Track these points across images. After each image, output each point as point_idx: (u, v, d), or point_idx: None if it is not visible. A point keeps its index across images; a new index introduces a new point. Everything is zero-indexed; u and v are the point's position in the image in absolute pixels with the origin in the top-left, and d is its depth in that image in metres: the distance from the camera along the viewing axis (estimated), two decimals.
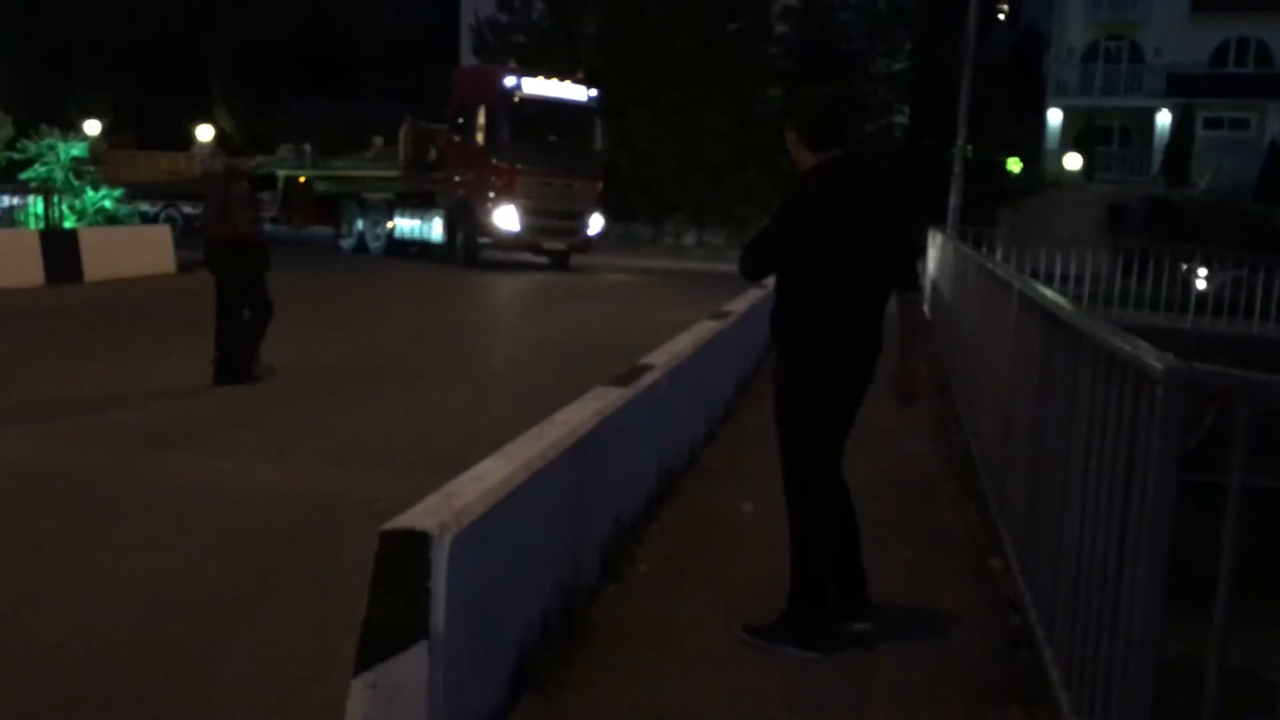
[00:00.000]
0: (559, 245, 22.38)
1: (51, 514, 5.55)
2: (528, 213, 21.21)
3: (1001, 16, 40.48)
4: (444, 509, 3.08)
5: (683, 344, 6.50)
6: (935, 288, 14.56)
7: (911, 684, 3.89)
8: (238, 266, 8.95)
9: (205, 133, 36.19)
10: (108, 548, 5.07)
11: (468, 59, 34.65)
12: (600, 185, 22.61)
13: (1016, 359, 5.24)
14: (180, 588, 4.63)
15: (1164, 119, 37.07)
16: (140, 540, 5.20)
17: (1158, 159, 36.01)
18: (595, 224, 22.37)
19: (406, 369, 10.42)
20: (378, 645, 2.93)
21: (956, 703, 3.76)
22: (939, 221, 20.04)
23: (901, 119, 31.76)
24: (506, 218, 21.13)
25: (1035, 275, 15.81)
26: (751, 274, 4.33)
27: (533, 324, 15.35)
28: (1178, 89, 36.00)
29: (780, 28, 29.85)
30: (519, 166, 21.12)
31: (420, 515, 3.01)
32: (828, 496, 4.28)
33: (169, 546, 5.12)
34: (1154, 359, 2.73)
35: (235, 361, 8.94)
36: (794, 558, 4.18)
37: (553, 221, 21.61)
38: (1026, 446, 4.66)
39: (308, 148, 30.02)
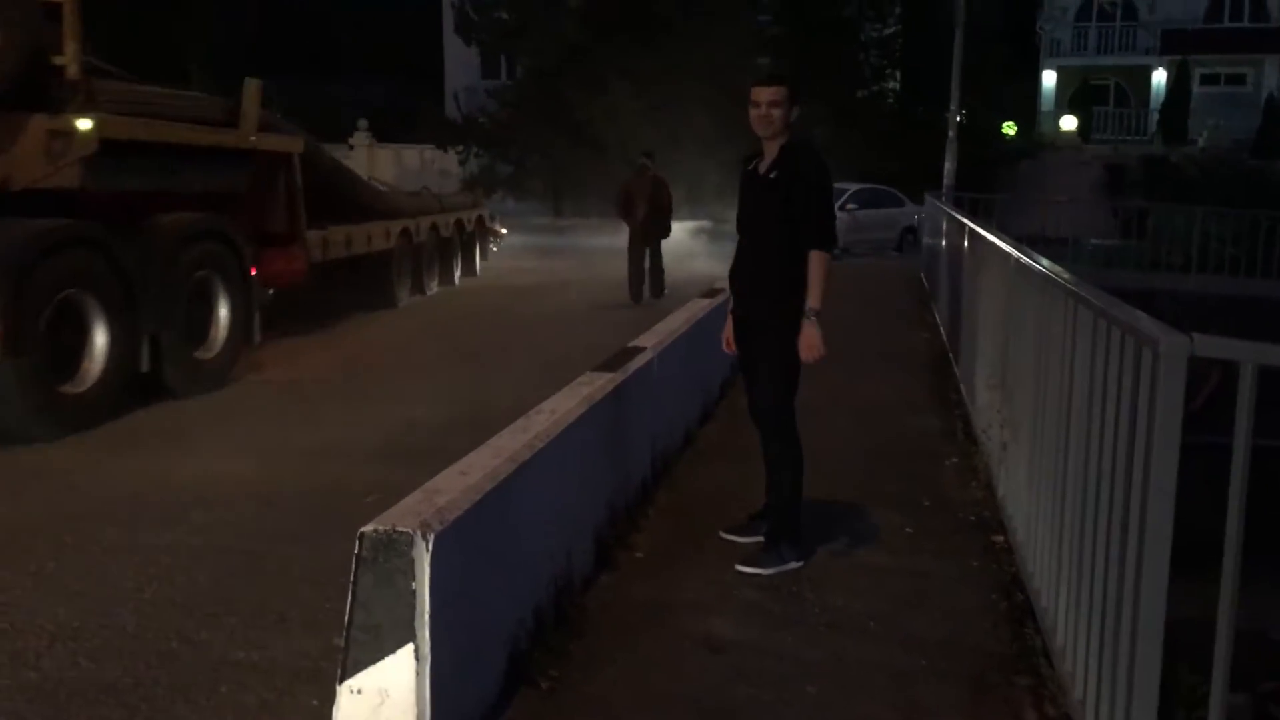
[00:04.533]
0: None
1: (32, 516, 5.46)
2: None
3: None
4: (426, 507, 3.00)
5: (674, 323, 6.41)
6: (933, 254, 14.44)
7: (914, 663, 3.81)
8: None
9: None
10: (92, 550, 4.99)
11: (450, 37, 34.33)
12: None
13: (1013, 327, 5.14)
14: (168, 589, 4.55)
15: (1160, 77, 36.80)
16: (126, 540, 5.12)
17: (1154, 118, 35.75)
18: None
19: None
20: (362, 650, 2.85)
21: (960, 681, 3.68)
22: (934, 188, 19.90)
23: (894, 85, 31.51)
24: None
25: (1034, 240, 15.71)
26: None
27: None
28: (1173, 45, 35.68)
29: None
30: None
31: (401, 514, 2.93)
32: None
33: (156, 546, 5.03)
34: (1153, 330, 2.64)
35: None
36: (782, 482, 4.70)
37: None
38: (1026, 417, 4.57)
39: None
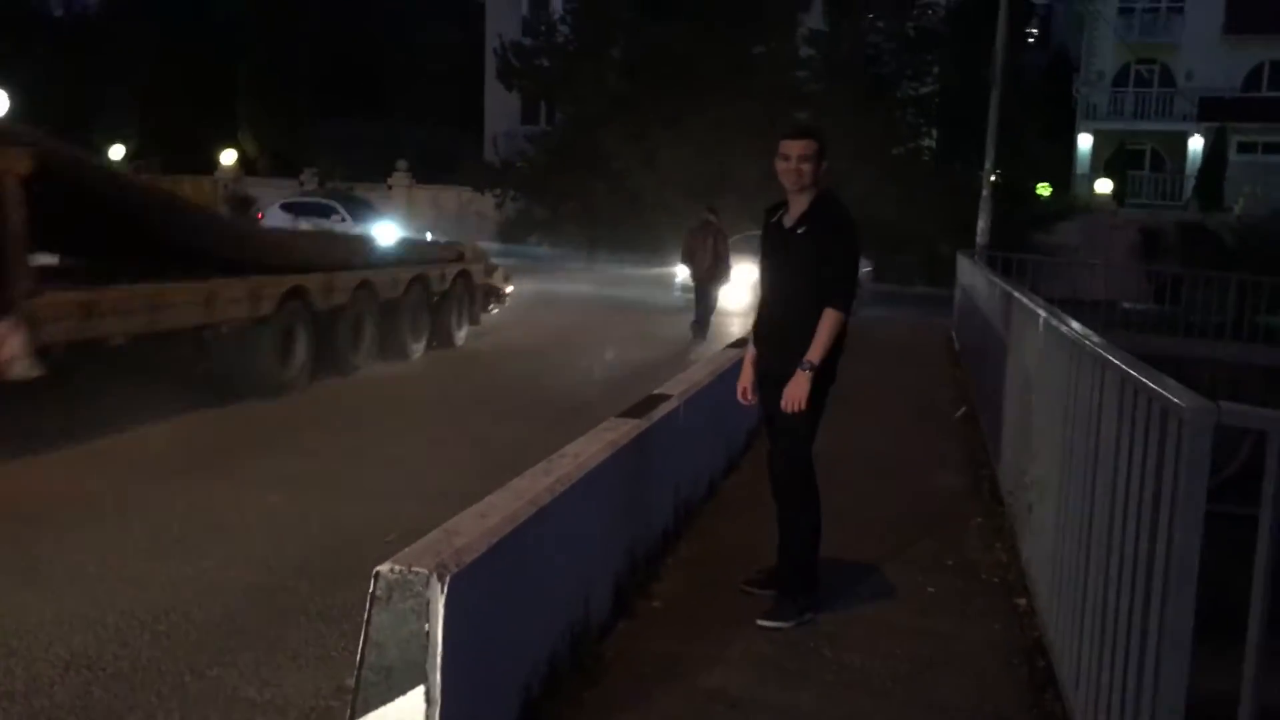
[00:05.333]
0: None
1: (54, 542, 5.49)
2: None
3: (1031, 40, 40.31)
4: (443, 547, 3.00)
5: (700, 373, 6.41)
6: (964, 312, 14.39)
7: None
8: None
9: (229, 157, 36.32)
10: (112, 578, 5.01)
11: (491, 83, 34.77)
12: None
13: (1041, 389, 5.11)
14: (184, 620, 4.55)
15: (1196, 143, 36.71)
16: (145, 570, 5.13)
17: (1190, 184, 35.63)
18: None
19: None
20: (373, 691, 2.84)
21: None
22: (968, 246, 19.88)
23: (930, 143, 31.61)
24: None
25: (1066, 302, 15.64)
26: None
27: None
28: (1210, 113, 35.61)
29: (806, 50, 29.78)
30: None
31: (418, 554, 2.92)
32: None
33: (175, 576, 5.05)
34: (1179, 397, 2.61)
35: None
36: (800, 533, 4.68)
37: None
38: (1052, 480, 4.53)
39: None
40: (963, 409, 4.93)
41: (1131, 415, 3.06)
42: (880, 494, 6.85)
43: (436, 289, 12.76)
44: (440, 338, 12.99)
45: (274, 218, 24.52)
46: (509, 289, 15.17)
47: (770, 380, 4.72)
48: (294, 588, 4.99)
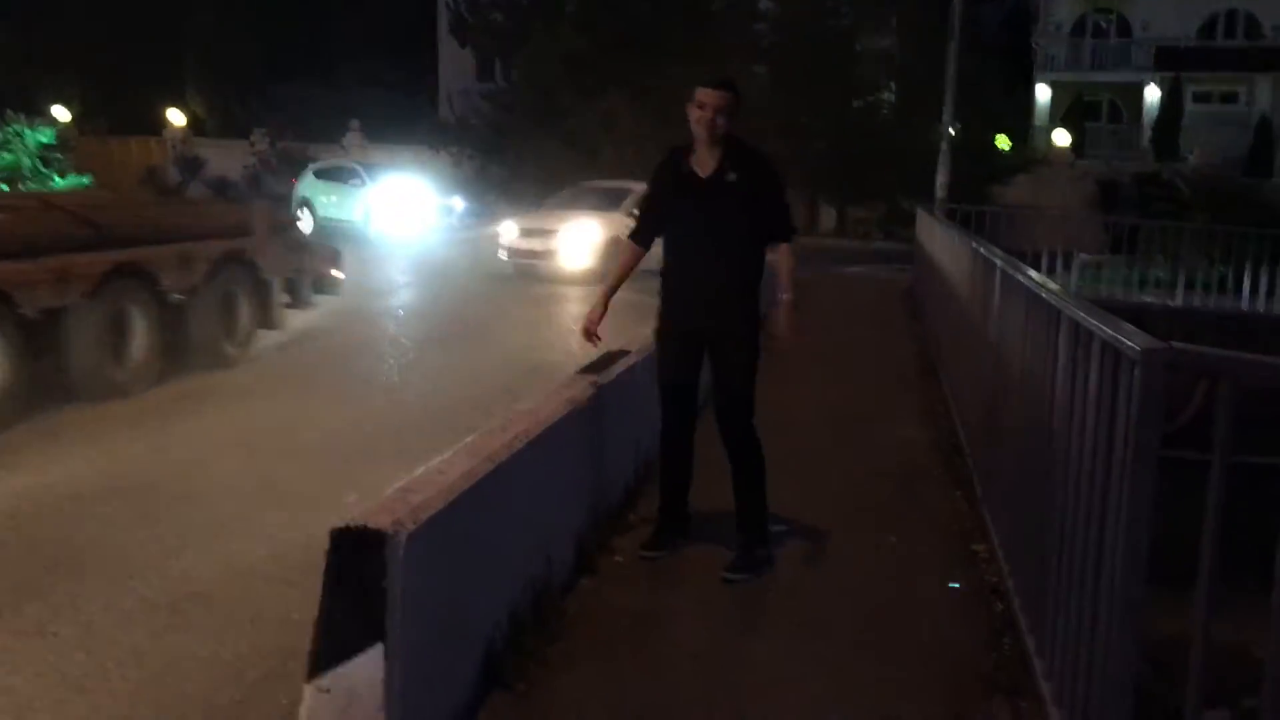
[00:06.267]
0: None
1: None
2: None
3: None
4: (400, 505, 2.97)
5: None
6: (923, 266, 14.45)
7: (894, 676, 3.79)
8: None
9: (177, 117, 35.61)
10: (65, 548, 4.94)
11: (445, 39, 34.28)
12: None
13: (999, 340, 5.14)
14: (143, 586, 4.51)
15: (1153, 94, 36.87)
16: (101, 535, 5.07)
17: (1147, 134, 35.85)
18: None
19: None
20: (331, 649, 2.81)
21: (940, 695, 3.66)
22: (928, 200, 19.92)
23: (889, 96, 31.57)
24: None
25: (1025, 254, 15.72)
26: None
27: None
28: (1166, 63, 35.76)
29: (764, 3, 29.59)
30: None
31: (374, 512, 2.89)
32: None
33: (132, 543, 4.99)
34: (1132, 339, 2.62)
35: None
36: (757, 486, 4.71)
37: None
38: (1009, 428, 4.56)
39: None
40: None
41: (1086, 359, 3.08)
42: (839, 448, 6.88)
43: (173, 283, 8.59)
44: (196, 356, 8.87)
45: (308, 182, 25.63)
46: (337, 275, 11.39)
47: (701, 340, 4.64)
48: (251, 550, 4.95)
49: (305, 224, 24.40)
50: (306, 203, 24.92)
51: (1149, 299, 17.18)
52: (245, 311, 9.53)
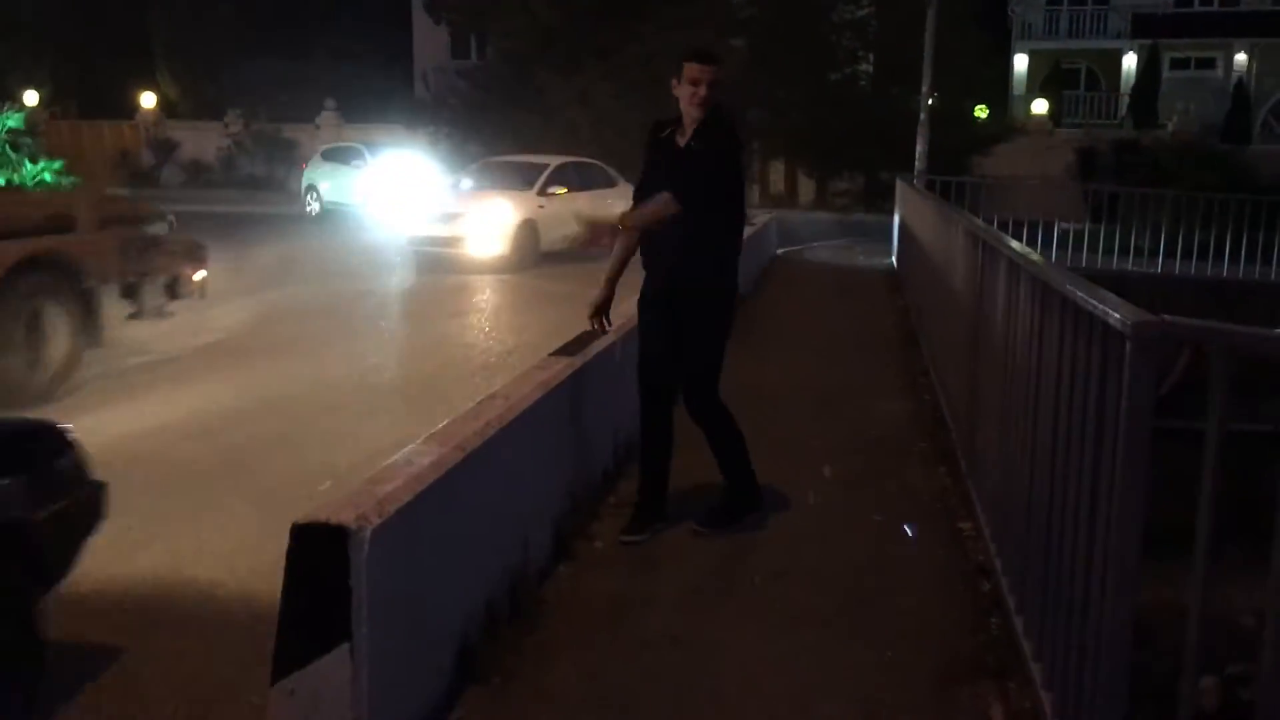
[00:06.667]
0: None
1: None
2: None
3: None
4: (365, 498, 2.86)
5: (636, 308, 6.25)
6: (904, 238, 14.36)
7: (879, 659, 3.70)
8: None
9: (149, 100, 35.14)
10: None
11: (419, 16, 33.91)
12: None
13: (981, 313, 5.04)
14: (97, 575, 4.37)
15: (1130, 61, 36.82)
16: None
17: (1125, 102, 35.80)
18: None
19: None
20: (295, 649, 2.71)
21: (926, 677, 3.58)
22: (907, 171, 19.82)
23: (866, 67, 31.37)
24: None
25: (1005, 224, 15.66)
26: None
27: None
28: (1143, 29, 35.72)
29: None
30: None
31: (338, 507, 2.78)
32: None
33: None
34: (1121, 313, 2.53)
35: None
36: (729, 458, 4.78)
37: None
38: (994, 404, 4.47)
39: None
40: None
41: (1073, 334, 2.98)
42: (821, 424, 6.79)
43: None
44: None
45: (316, 165, 24.58)
46: (198, 276, 8.96)
47: (669, 309, 4.65)
48: (219, 538, 4.82)
49: (312, 209, 24.12)
50: (313, 188, 24.18)
51: (1129, 267, 17.16)
52: (61, 330, 7.40)
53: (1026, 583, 3.61)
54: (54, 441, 3.54)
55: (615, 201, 15.69)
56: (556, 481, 4.55)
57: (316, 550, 2.69)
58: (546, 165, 16.56)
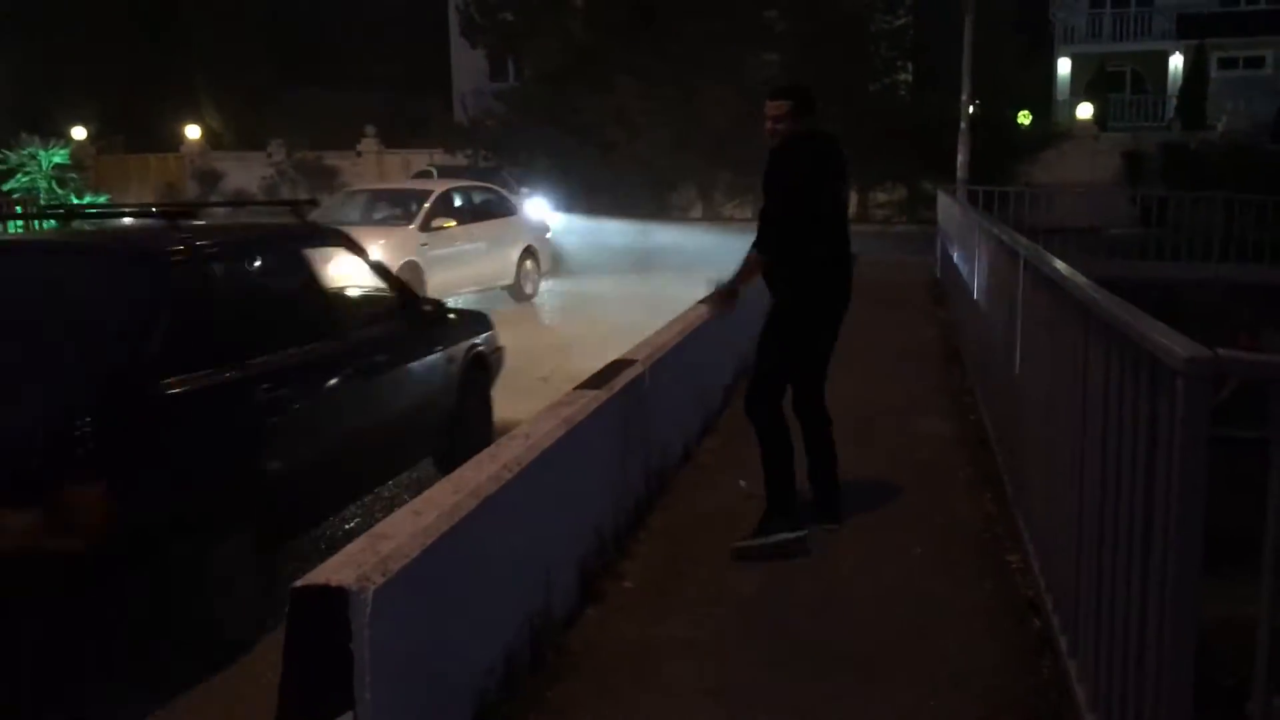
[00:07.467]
0: None
1: None
2: None
3: None
4: (368, 556, 2.71)
5: (669, 334, 6.10)
6: (945, 251, 14.08)
7: (923, 705, 3.50)
8: None
9: (193, 132, 35.62)
10: None
11: (456, 41, 34.08)
12: None
13: (1026, 334, 4.82)
14: None
15: (1176, 62, 36.18)
16: None
17: (1172, 104, 35.15)
18: None
19: None
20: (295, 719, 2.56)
21: None
22: (949, 180, 19.52)
23: (906, 77, 31.04)
24: None
25: (1051, 231, 15.33)
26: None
27: None
28: (1189, 30, 35.05)
29: None
30: None
31: (337, 567, 2.63)
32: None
33: None
34: (1174, 345, 2.33)
35: None
36: (766, 470, 4.91)
37: None
38: (1039, 431, 4.25)
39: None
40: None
41: (1122, 362, 2.78)
42: (862, 445, 6.55)
43: None
44: None
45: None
46: None
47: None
48: None
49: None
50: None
51: (1181, 273, 16.75)
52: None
53: (1079, 622, 3.39)
54: (488, 321, 7.15)
55: (514, 234, 14.83)
56: (582, 519, 4.38)
57: (316, 614, 2.55)
58: (429, 193, 13.87)
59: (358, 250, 5.87)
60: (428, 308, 6.22)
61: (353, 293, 5.85)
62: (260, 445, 4.32)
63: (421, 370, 5.85)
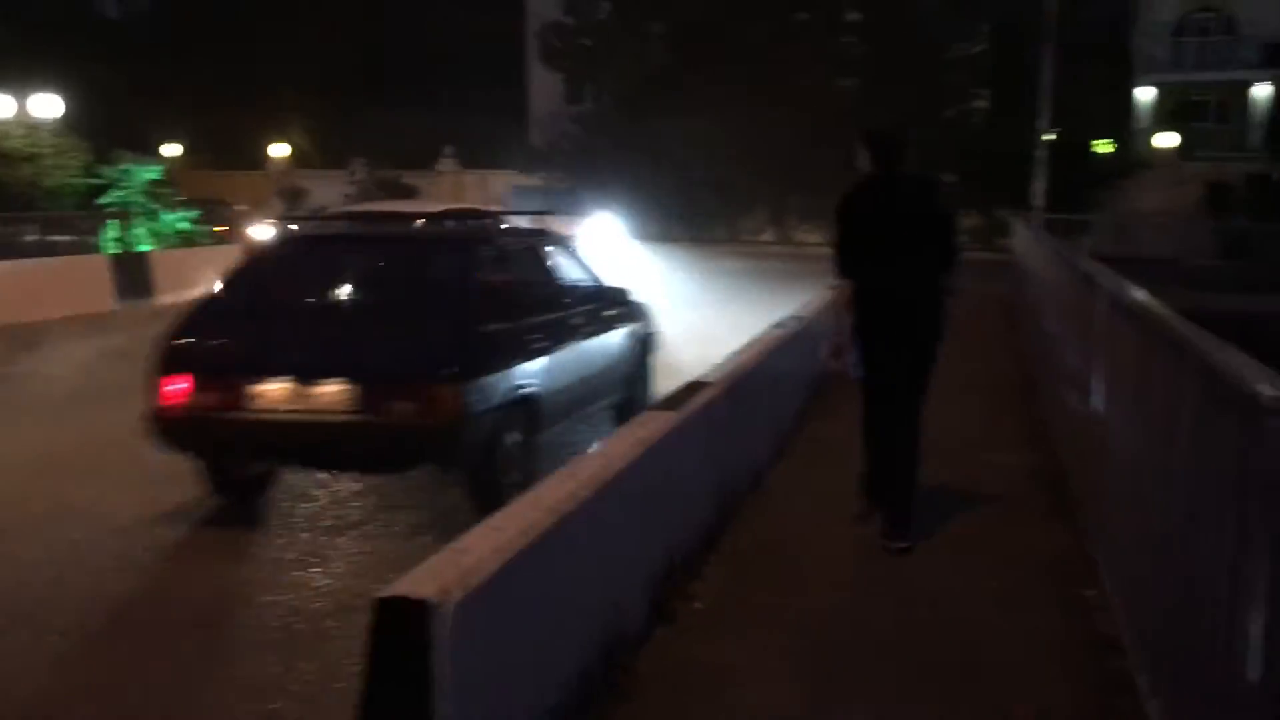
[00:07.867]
0: None
1: None
2: None
3: None
4: (449, 569, 2.75)
5: (743, 358, 6.11)
6: (1020, 280, 13.92)
7: None
8: None
9: (280, 150, 36.50)
10: None
11: (534, 65, 34.53)
12: None
13: (1104, 367, 4.76)
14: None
15: (1261, 91, 35.43)
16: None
17: (1256, 134, 34.41)
18: None
19: None
20: None
21: None
22: (1025, 209, 19.31)
23: (982, 104, 30.79)
24: None
25: (1131, 261, 15.06)
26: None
27: None
28: (1274, 60, 34.35)
29: (851, 14, 29.11)
30: None
31: (420, 579, 2.68)
32: None
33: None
34: (1262, 384, 2.30)
35: None
36: (911, 473, 5.24)
37: None
38: (1123, 463, 4.19)
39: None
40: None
41: (1209, 397, 2.75)
42: (937, 476, 6.50)
43: None
44: None
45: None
46: None
47: None
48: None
49: None
50: None
51: (1263, 306, 16.37)
52: None
53: (1161, 663, 3.34)
54: (650, 309, 8.55)
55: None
56: (654, 540, 4.40)
57: (399, 625, 2.59)
58: (415, 219, 11.38)
59: (575, 247, 8.02)
60: (618, 295, 7.95)
61: (574, 276, 7.48)
62: (529, 372, 6.10)
63: (616, 340, 7.75)
